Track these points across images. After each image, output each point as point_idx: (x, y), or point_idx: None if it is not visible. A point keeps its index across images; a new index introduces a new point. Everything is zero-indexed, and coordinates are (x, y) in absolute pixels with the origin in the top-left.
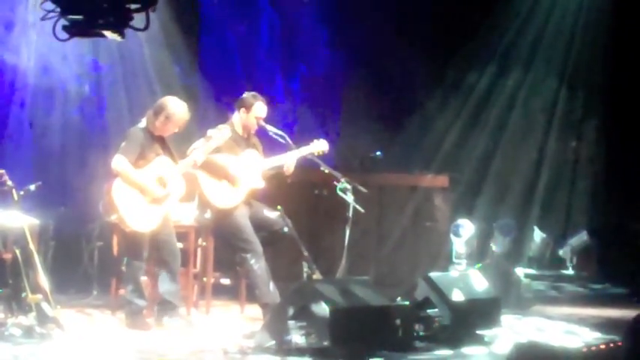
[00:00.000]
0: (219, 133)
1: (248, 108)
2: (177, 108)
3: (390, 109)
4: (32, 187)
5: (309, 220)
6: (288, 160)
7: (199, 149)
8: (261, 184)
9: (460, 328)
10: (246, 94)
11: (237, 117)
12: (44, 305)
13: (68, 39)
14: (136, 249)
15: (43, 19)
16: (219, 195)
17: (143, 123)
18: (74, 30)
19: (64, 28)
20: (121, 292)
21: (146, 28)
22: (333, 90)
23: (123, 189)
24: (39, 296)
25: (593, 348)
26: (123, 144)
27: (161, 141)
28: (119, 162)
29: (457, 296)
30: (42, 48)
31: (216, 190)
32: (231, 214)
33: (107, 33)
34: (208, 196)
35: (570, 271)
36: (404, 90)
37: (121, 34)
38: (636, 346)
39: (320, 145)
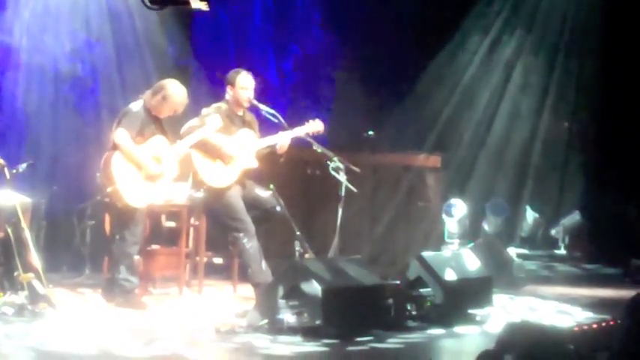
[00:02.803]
0: (212, 122)
1: (233, 84)
2: (175, 90)
3: (383, 88)
4: (24, 165)
5: (301, 199)
6: (282, 140)
7: (195, 133)
8: (254, 164)
9: (452, 308)
10: (230, 72)
11: (228, 95)
12: (36, 284)
13: (159, 8)
14: (129, 225)
15: None
16: (213, 174)
17: (141, 101)
18: None
19: None
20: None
21: None
22: (325, 70)
23: (121, 162)
24: (31, 275)
25: (585, 327)
26: (124, 119)
27: (157, 121)
28: (121, 135)
29: (449, 276)
30: (34, 27)
31: (210, 170)
32: (225, 193)
33: (193, 2)
34: (202, 175)
35: (562, 251)
36: (396, 70)
37: (206, 3)
38: (635, 325)
39: (315, 126)
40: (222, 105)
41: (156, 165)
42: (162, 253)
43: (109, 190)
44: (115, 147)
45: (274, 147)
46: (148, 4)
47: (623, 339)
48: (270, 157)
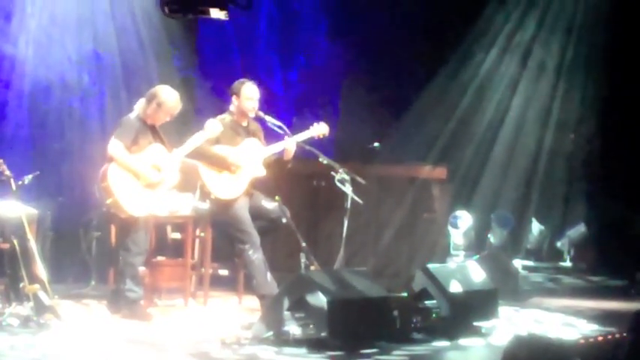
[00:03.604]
0: (209, 127)
1: (238, 94)
2: (168, 96)
3: (389, 100)
4: (30, 177)
5: (307, 211)
6: (288, 145)
7: (192, 138)
8: (262, 172)
9: (458, 320)
10: (234, 82)
11: (233, 106)
12: (42, 295)
13: (178, 17)
14: (131, 234)
15: None
16: (221, 186)
17: (136, 111)
18: (177, 6)
19: (167, 4)
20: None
21: (249, 6)
22: (331, 81)
23: (118, 173)
24: (36, 286)
25: (591, 340)
26: (117, 130)
27: (153, 129)
28: (115, 146)
29: (455, 288)
30: (41, 38)
31: (218, 182)
32: (231, 205)
33: (213, 11)
34: (210, 187)
35: (568, 263)
36: (402, 81)
37: (226, 12)
38: (636, 338)
39: (320, 129)
40: (226, 116)
41: (154, 173)
42: (168, 265)
43: (108, 201)
44: (110, 159)
45: (281, 153)
46: (167, 12)
47: (628, 352)
48: (277, 164)
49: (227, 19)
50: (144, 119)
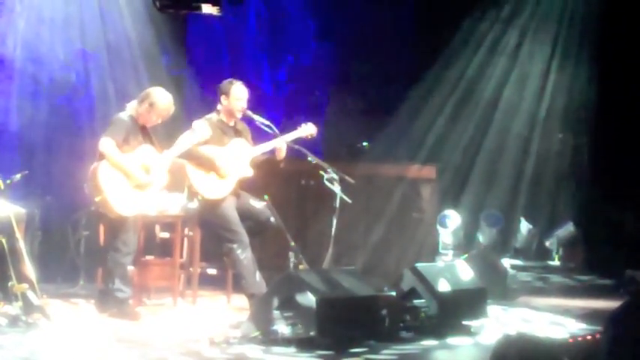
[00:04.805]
0: (199, 130)
1: (227, 94)
2: (161, 97)
3: (377, 99)
4: (18, 175)
5: (296, 210)
6: (279, 145)
7: (181, 141)
8: (249, 173)
9: (446, 319)
10: (223, 82)
11: (221, 106)
12: (30, 294)
13: (170, 12)
14: (120, 234)
15: None
16: (208, 186)
17: (128, 111)
18: (169, 2)
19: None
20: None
21: (240, 0)
22: (320, 81)
23: (108, 171)
24: (25, 285)
25: (579, 339)
26: (109, 128)
27: (144, 130)
28: (106, 144)
29: (443, 287)
30: (29, 36)
31: (205, 182)
32: (219, 204)
33: (205, 7)
34: (197, 187)
35: (556, 262)
36: (391, 81)
37: (219, 8)
38: (615, 336)
39: (308, 129)
40: (213, 116)
41: (144, 174)
42: (157, 264)
43: (97, 199)
44: (101, 157)
45: (272, 154)
46: (159, 7)
47: (609, 351)
48: (266, 164)
49: (219, 14)
50: (135, 119)
